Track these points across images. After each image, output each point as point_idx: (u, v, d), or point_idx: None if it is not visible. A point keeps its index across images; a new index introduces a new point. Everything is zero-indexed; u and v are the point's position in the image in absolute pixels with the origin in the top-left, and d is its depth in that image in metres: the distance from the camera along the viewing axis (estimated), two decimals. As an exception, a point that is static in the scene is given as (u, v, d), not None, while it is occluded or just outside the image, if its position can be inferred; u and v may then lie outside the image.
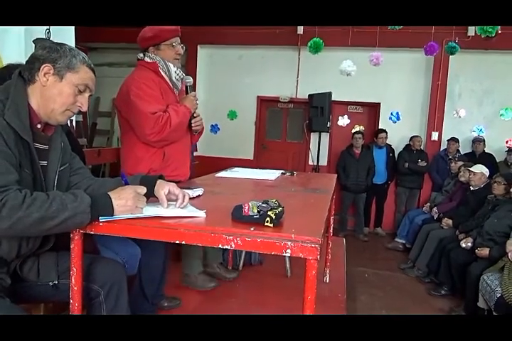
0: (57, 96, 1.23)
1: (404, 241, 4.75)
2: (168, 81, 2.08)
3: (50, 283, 1.34)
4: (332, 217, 2.88)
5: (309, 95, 5.57)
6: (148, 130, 1.92)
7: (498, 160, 5.11)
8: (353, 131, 5.75)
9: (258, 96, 6.11)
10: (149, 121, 1.90)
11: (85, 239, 1.23)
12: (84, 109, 1.30)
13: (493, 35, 3.57)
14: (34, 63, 1.22)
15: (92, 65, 1.32)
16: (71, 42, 2.89)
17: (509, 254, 2.58)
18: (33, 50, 1.35)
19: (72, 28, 2.94)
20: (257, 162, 6.07)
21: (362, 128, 6.04)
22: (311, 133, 5.94)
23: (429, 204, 4.71)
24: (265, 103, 6.21)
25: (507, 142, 5.41)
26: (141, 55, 2.07)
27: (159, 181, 1.38)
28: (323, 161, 5.94)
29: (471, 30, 4.91)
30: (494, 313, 2.54)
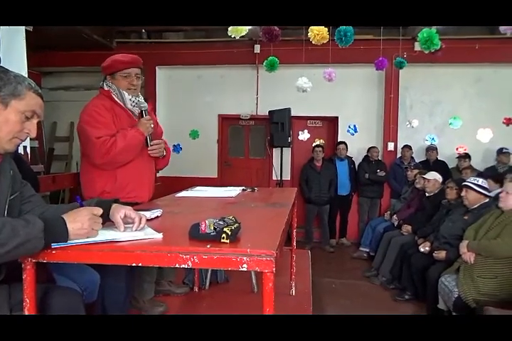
0: (2, 125, 1.22)
1: (368, 250, 4.85)
2: (124, 107, 2.17)
3: (3, 317, 1.29)
4: (295, 230, 2.92)
5: (269, 112, 5.69)
6: (94, 153, 2.05)
7: (450, 167, 5.38)
8: (314, 144, 5.90)
9: (219, 115, 6.18)
10: (95, 145, 2.03)
11: (38, 268, 1.20)
12: (33, 135, 1.29)
13: (438, 49, 3.79)
14: None
15: (40, 91, 1.31)
16: (23, 67, 2.84)
17: (463, 256, 2.69)
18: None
19: (24, 53, 2.89)
20: (222, 180, 6.09)
21: (322, 141, 6.21)
22: (273, 149, 6.04)
23: (389, 212, 4.86)
24: (226, 121, 6.28)
25: (457, 149, 5.73)
26: (102, 82, 2.21)
27: (115, 205, 1.37)
28: (287, 176, 6.03)
29: (418, 46, 5.21)
30: (453, 313, 2.62)
